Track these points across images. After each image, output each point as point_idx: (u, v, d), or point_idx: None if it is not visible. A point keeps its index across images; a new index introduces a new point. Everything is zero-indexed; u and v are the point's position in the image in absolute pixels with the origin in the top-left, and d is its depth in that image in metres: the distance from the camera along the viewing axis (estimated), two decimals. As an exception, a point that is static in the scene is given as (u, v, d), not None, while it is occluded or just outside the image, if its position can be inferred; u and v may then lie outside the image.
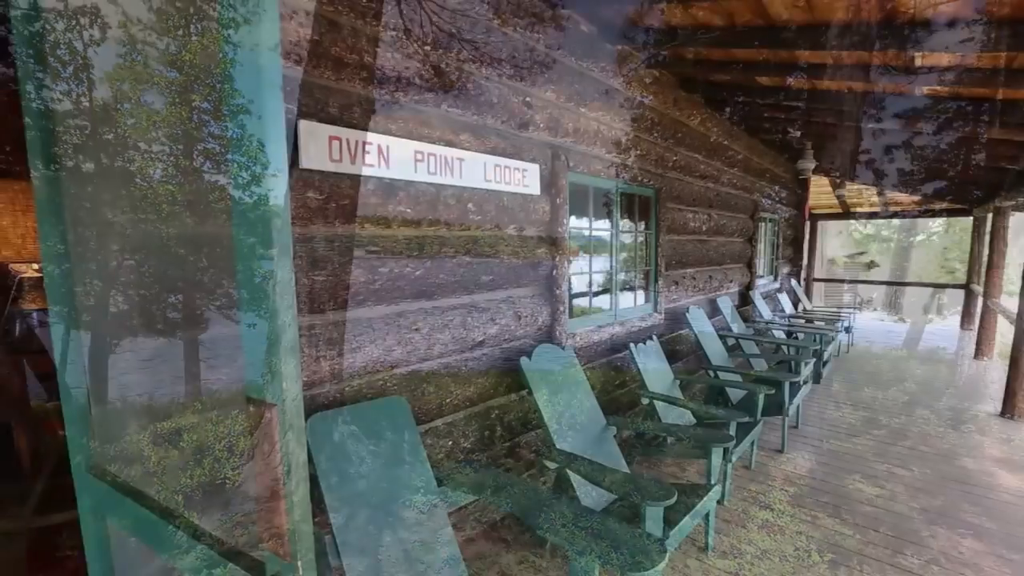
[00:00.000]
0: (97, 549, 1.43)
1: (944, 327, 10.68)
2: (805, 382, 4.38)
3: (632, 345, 3.64)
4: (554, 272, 3.01)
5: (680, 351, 4.78)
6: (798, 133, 4.73)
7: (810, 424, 4.39)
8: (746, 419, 3.17)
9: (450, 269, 2.38)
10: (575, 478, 2.48)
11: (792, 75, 3.16)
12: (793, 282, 8.47)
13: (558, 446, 2.59)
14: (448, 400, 2.45)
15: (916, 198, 9.00)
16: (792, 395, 3.98)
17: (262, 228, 0.69)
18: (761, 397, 3.54)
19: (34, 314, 3.40)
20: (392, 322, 2.18)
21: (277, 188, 0.67)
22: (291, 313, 0.76)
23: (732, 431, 2.90)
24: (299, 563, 0.81)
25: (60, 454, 2.97)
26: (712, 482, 2.60)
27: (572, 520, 1.73)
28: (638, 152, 3.78)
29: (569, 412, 2.78)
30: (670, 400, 3.35)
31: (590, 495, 2.50)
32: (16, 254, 3.10)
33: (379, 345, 2.11)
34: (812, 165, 4.78)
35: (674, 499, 1.99)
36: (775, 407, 3.95)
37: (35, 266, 3.48)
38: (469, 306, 2.54)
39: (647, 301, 4.21)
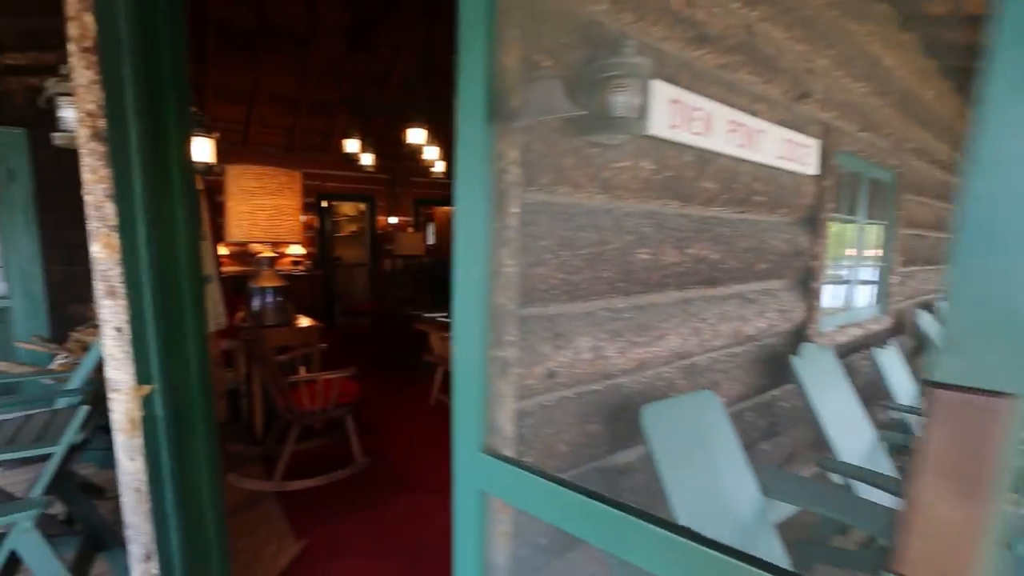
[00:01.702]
0: (474, 531, 1.36)
1: None
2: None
3: (874, 349, 3.20)
4: (812, 263, 2.68)
5: (897, 360, 4.19)
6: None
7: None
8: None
9: (736, 255, 2.15)
10: (873, 493, 2.16)
11: None
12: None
13: (840, 457, 2.28)
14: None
15: None
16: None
17: None
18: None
19: (268, 291, 3.65)
20: (681, 309, 2.00)
21: None
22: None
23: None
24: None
25: (302, 424, 3.16)
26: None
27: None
28: (885, 131, 3.31)
29: (842, 419, 2.45)
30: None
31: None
32: (263, 234, 3.33)
33: (677, 335, 1.93)
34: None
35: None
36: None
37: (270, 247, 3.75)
38: (740, 297, 2.30)
39: (877, 302, 3.71)
